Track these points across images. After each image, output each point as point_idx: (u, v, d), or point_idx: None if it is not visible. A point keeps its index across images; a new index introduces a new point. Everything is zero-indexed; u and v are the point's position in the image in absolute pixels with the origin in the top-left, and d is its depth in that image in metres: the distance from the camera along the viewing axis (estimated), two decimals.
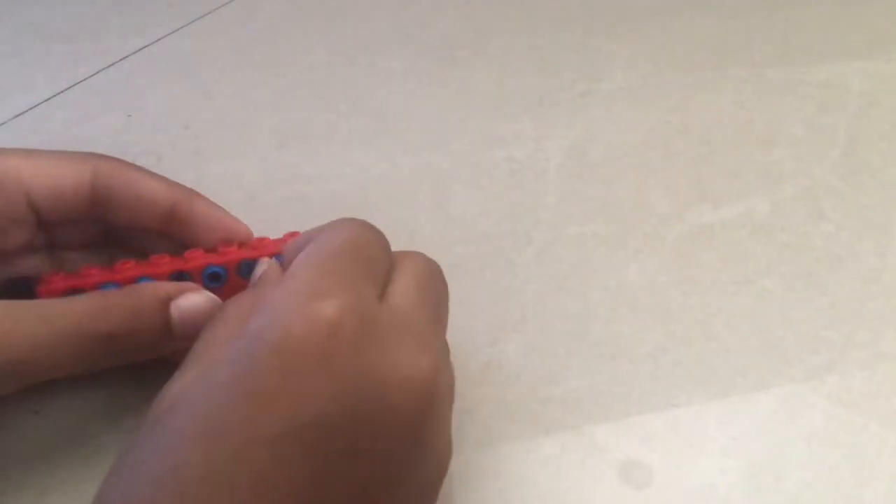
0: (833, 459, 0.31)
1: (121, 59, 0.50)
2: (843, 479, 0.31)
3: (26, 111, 0.47)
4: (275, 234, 0.32)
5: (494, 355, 0.35)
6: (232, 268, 0.31)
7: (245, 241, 0.32)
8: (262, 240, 0.32)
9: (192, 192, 0.32)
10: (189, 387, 0.24)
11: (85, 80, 0.49)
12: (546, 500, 0.30)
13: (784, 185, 0.42)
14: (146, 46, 0.51)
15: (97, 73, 0.50)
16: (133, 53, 0.51)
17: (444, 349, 0.26)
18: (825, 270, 0.38)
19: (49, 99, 0.48)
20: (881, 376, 0.34)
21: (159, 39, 0.52)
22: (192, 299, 0.29)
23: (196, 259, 0.31)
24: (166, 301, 0.29)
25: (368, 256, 0.27)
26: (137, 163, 0.32)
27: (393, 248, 0.28)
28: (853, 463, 0.31)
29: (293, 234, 0.31)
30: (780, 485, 0.30)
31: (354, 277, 0.25)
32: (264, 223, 0.34)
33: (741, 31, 0.51)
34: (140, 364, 0.30)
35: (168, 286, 0.29)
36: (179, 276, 0.31)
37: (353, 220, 0.28)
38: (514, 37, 0.51)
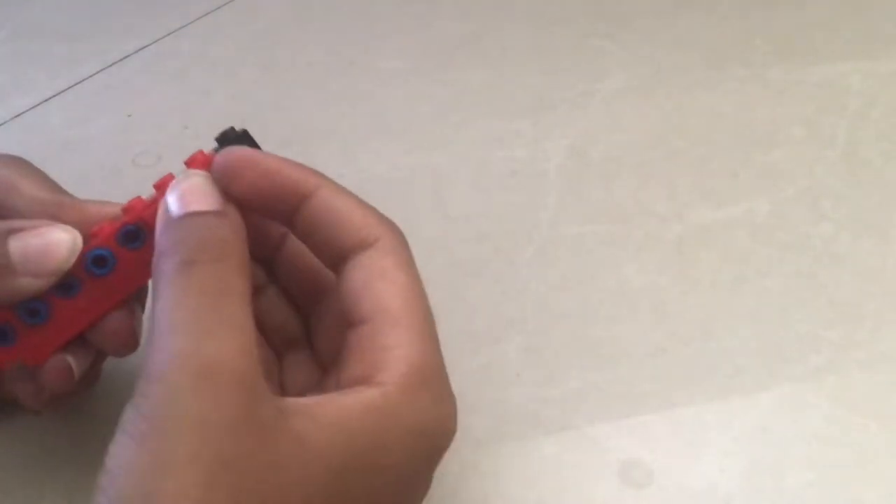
0: (833, 459, 0.31)
1: (121, 59, 0.50)
2: (843, 479, 0.31)
3: (26, 111, 0.47)
4: None
5: (494, 355, 0.35)
6: (145, 218, 0.27)
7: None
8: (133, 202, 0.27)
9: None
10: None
11: (85, 80, 0.49)
12: (546, 500, 0.30)
13: (784, 185, 0.42)
14: (146, 46, 0.51)
15: (97, 73, 0.50)
16: (133, 53, 0.51)
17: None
18: (825, 270, 0.38)
19: (49, 99, 0.48)
20: (881, 376, 0.34)
21: (159, 39, 0.52)
22: (41, 235, 0.26)
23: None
24: (3, 236, 0.26)
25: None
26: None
27: None
28: (853, 463, 0.31)
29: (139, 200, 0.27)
30: (780, 485, 0.30)
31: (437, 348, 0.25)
32: None
33: (741, 31, 0.51)
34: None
35: (15, 222, 0.27)
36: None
37: (404, 241, 0.26)
38: (514, 37, 0.51)
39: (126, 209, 0.27)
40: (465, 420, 0.32)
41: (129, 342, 0.28)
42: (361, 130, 0.45)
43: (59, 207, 0.28)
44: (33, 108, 0.47)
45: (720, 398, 0.33)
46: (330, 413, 0.22)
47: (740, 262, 0.38)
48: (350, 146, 0.44)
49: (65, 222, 0.27)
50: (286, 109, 0.47)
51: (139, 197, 0.27)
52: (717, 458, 0.31)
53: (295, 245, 0.29)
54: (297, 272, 0.29)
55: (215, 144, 0.27)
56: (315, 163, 0.25)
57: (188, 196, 0.24)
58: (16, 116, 0.47)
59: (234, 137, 0.27)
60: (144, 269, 0.25)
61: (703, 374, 0.34)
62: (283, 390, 0.28)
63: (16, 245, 0.26)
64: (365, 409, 0.22)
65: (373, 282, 0.24)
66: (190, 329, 0.21)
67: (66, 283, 0.27)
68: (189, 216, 0.24)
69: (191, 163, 0.26)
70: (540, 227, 0.40)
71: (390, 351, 0.23)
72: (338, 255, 0.25)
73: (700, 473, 0.31)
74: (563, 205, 0.41)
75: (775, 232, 0.39)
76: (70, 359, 0.28)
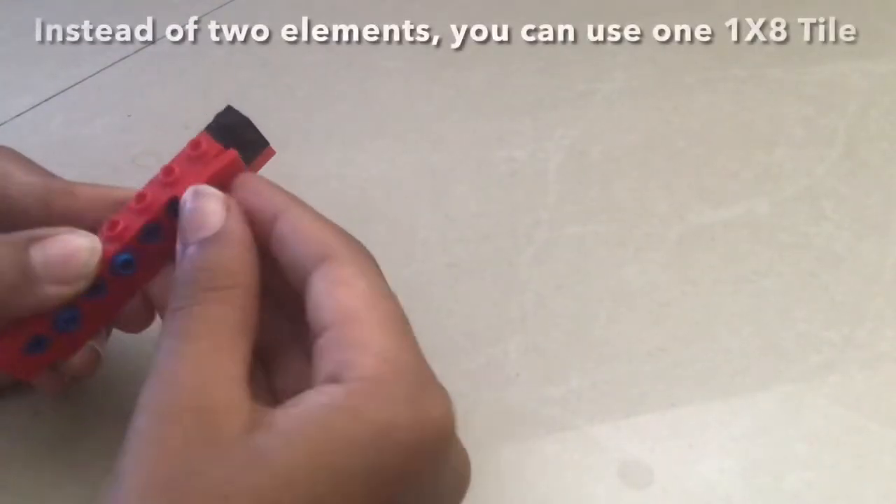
0: (833, 459, 0.31)
1: (121, 59, 0.50)
2: (843, 479, 0.31)
3: (26, 111, 0.47)
4: None
5: (494, 355, 0.35)
6: (163, 217, 0.28)
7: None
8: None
9: (71, 184, 0.30)
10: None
11: (85, 80, 0.49)
12: (546, 500, 0.30)
13: (784, 185, 0.42)
14: (146, 46, 0.51)
15: (97, 73, 0.50)
16: (133, 53, 0.51)
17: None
18: (825, 270, 0.38)
19: (49, 99, 0.48)
20: (881, 376, 0.34)
21: (159, 39, 0.52)
22: (61, 242, 0.26)
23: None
24: (23, 246, 0.26)
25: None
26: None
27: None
28: (853, 463, 0.31)
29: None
30: (780, 485, 0.30)
31: (418, 350, 0.24)
32: None
33: (741, 31, 0.51)
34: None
35: (35, 231, 0.27)
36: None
37: (367, 254, 0.26)
38: (514, 36, 0.51)
39: (140, 199, 0.28)
40: (465, 420, 0.32)
41: (148, 320, 0.30)
42: (361, 130, 0.45)
43: (49, 192, 0.29)
44: (33, 108, 0.47)
45: (720, 398, 0.33)
46: (290, 418, 0.22)
47: (740, 262, 0.38)
48: (350, 146, 0.44)
49: (57, 207, 0.29)
50: (286, 109, 0.47)
51: (153, 183, 0.28)
52: (717, 458, 0.31)
53: None
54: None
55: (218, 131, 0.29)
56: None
57: (192, 225, 0.26)
58: (16, 116, 0.47)
59: (235, 123, 0.30)
60: (164, 257, 0.27)
61: (703, 374, 0.34)
62: (274, 393, 0.28)
63: (36, 254, 0.26)
64: (328, 409, 0.22)
65: (332, 289, 0.24)
66: (159, 367, 0.23)
67: (95, 286, 0.27)
68: (196, 251, 0.25)
69: (195, 147, 0.29)
70: (540, 227, 0.40)
71: (356, 347, 0.23)
72: (302, 274, 0.25)
73: (700, 473, 0.31)
74: (563, 205, 0.41)
75: (775, 232, 0.39)
76: (96, 346, 0.30)
